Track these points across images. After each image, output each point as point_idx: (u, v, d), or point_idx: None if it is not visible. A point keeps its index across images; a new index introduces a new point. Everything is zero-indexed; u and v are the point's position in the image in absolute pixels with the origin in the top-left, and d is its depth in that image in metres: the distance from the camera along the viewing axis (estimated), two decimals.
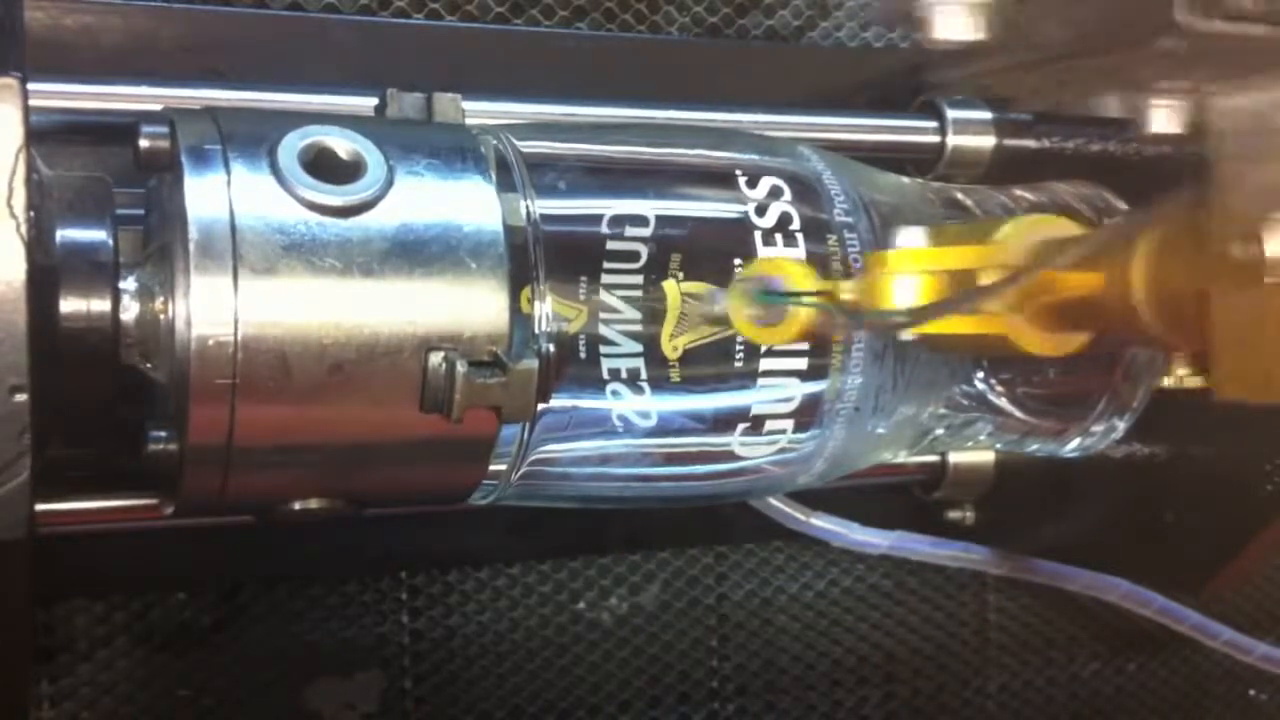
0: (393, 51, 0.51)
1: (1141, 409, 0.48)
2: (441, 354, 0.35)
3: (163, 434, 0.36)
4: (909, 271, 0.37)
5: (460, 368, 0.35)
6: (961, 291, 0.37)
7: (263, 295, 0.34)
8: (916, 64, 0.56)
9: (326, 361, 0.35)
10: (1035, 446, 0.50)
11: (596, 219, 0.40)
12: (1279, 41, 0.40)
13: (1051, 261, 0.35)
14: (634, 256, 0.39)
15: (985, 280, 0.36)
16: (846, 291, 0.38)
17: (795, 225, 0.41)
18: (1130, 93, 0.49)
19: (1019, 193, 0.50)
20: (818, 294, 0.38)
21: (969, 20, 0.47)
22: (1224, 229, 0.33)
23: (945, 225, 0.42)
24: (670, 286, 0.39)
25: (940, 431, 0.48)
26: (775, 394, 0.41)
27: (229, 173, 0.35)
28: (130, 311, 0.36)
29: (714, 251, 0.40)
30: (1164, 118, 0.48)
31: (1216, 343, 0.34)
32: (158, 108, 0.39)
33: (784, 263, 0.39)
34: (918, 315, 0.37)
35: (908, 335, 0.37)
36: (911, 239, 0.38)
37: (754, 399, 0.41)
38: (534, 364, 0.35)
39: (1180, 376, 0.46)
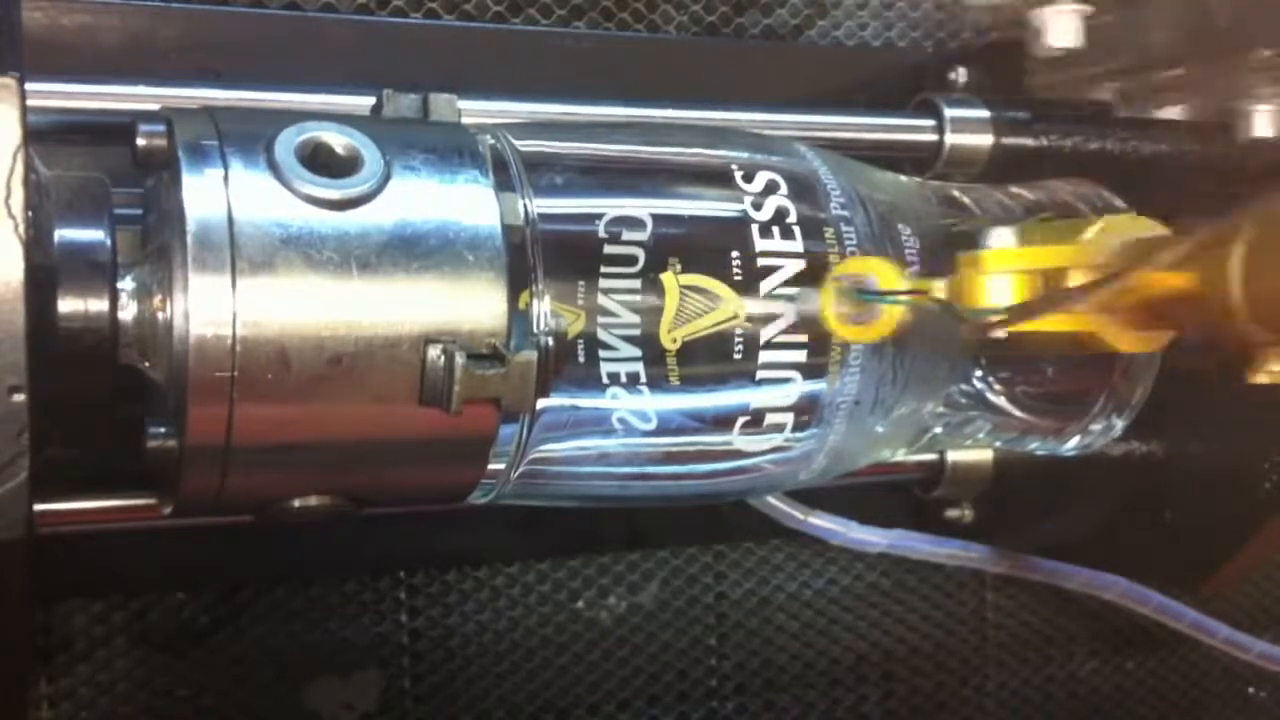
0: (390, 51, 0.52)
1: (1140, 407, 0.48)
2: (440, 346, 0.35)
3: (162, 429, 0.35)
4: (1002, 271, 0.37)
5: (459, 359, 0.35)
6: (1058, 290, 0.37)
7: (261, 289, 0.34)
8: (946, 63, 0.56)
9: (325, 355, 0.34)
10: (1034, 445, 0.50)
11: (594, 220, 0.40)
12: None
13: (1150, 261, 0.35)
14: (631, 260, 0.39)
15: (1077, 280, 0.36)
16: (941, 291, 0.38)
17: (792, 219, 0.41)
18: (1227, 98, 0.49)
19: (1017, 191, 0.50)
20: (915, 293, 0.38)
21: (1079, 27, 0.48)
22: None
23: (1034, 224, 0.42)
24: (669, 278, 0.39)
25: (939, 429, 0.48)
26: (775, 388, 0.41)
27: (226, 168, 0.35)
28: (128, 311, 0.36)
29: (711, 245, 0.40)
30: (1263, 122, 0.49)
31: None
32: (155, 107, 0.39)
33: (877, 263, 0.39)
34: (1015, 314, 0.37)
35: (1002, 334, 0.37)
36: (1004, 239, 0.38)
37: (754, 393, 0.41)
38: (533, 355, 0.35)
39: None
